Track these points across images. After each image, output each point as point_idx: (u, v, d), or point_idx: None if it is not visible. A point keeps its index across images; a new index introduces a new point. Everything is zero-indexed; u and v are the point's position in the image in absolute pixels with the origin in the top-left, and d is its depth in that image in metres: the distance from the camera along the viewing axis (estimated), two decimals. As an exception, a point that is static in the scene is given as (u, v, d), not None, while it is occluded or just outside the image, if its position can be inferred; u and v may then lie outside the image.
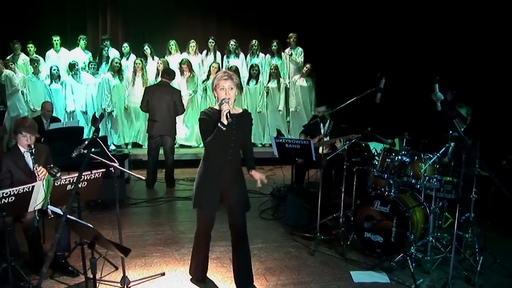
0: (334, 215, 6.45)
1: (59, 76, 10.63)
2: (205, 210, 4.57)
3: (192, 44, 11.45)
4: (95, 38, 12.19)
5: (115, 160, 4.52)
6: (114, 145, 10.97)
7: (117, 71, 10.71)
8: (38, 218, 4.83)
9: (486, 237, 5.33)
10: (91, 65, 10.79)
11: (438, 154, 5.43)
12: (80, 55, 11.30)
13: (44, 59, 11.15)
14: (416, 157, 5.60)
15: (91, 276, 4.58)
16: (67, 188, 4.59)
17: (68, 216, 3.47)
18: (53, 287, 4.78)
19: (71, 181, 4.57)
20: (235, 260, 4.74)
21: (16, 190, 4.22)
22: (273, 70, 11.36)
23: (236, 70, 10.81)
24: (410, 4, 9.72)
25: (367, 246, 5.66)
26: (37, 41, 11.23)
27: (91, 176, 4.69)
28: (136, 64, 10.77)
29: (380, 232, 5.53)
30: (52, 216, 4.86)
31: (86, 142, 4.78)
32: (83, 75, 10.77)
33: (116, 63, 10.73)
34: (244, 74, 11.50)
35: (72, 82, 10.65)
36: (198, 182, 4.55)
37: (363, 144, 7.11)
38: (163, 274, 5.09)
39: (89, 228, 3.25)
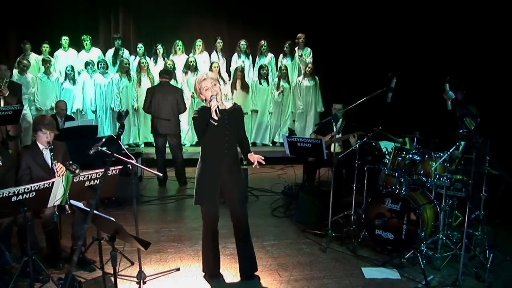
0: (345, 212, 6.54)
1: (73, 76, 10.76)
2: (206, 205, 4.75)
3: (198, 43, 11.50)
4: (107, 38, 12.28)
5: (132, 157, 4.63)
6: (127, 144, 11.07)
7: (126, 72, 10.82)
8: (57, 213, 4.95)
9: (496, 235, 5.38)
10: (101, 64, 10.88)
11: (448, 153, 5.49)
12: (85, 55, 11.41)
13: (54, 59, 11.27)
14: (426, 156, 5.66)
15: (108, 270, 4.77)
16: (86, 184, 4.70)
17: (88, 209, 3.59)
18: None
19: (90, 178, 4.68)
20: (239, 250, 4.94)
21: (37, 185, 4.33)
22: (283, 71, 11.39)
23: (242, 71, 10.94)
24: (420, 4, 9.77)
25: (378, 243, 5.74)
26: (49, 41, 11.34)
27: (108, 173, 4.80)
28: (142, 63, 10.89)
29: (391, 229, 5.61)
30: (70, 211, 4.99)
31: (104, 140, 4.92)
32: (93, 75, 10.92)
33: (125, 63, 10.83)
34: (252, 74, 11.63)
35: (85, 80, 10.82)
36: (197, 178, 4.74)
37: (373, 144, 7.18)
38: (178, 269, 5.19)
39: (110, 221, 3.35)
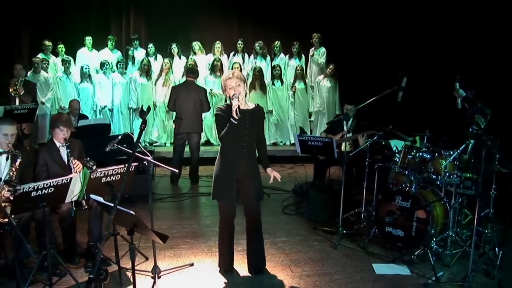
0: (356, 210, 6.62)
1: (89, 75, 10.92)
2: (223, 200, 4.89)
3: (217, 45, 11.56)
4: (119, 38, 12.41)
5: (148, 154, 4.72)
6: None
7: (146, 71, 10.94)
8: (74, 209, 5.07)
9: (505, 233, 5.45)
10: (120, 64, 11.02)
11: (458, 151, 5.55)
12: (109, 55, 11.55)
13: (74, 59, 11.44)
14: (436, 154, 5.73)
15: (123, 265, 4.88)
16: (102, 181, 4.81)
17: (108, 203, 3.69)
18: (87, 275, 4.97)
19: (106, 174, 4.79)
20: (250, 245, 5.09)
21: (55, 181, 4.45)
22: (299, 71, 11.41)
23: (260, 71, 10.99)
24: (430, 3, 9.81)
25: (388, 240, 5.80)
26: (62, 41, 11.49)
27: (124, 170, 4.91)
28: (164, 63, 11.02)
29: (401, 227, 5.67)
30: (86, 207, 5.11)
31: (120, 137, 5.03)
32: (111, 74, 11.07)
33: (145, 64, 10.96)
34: (269, 75, 11.68)
35: (100, 80, 10.98)
36: (216, 174, 4.87)
37: (383, 143, 7.25)
38: (192, 264, 5.30)
39: (130, 214, 3.44)
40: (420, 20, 10.03)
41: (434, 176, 5.72)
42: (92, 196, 3.98)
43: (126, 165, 4.81)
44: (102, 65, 11.03)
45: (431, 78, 8.75)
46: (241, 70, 10.82)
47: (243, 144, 4.77)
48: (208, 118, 10.80)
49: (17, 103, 7.66)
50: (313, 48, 11.87)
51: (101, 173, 4.77)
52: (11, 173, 4.80)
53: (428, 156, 5.77)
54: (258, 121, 4.91)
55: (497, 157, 5.35)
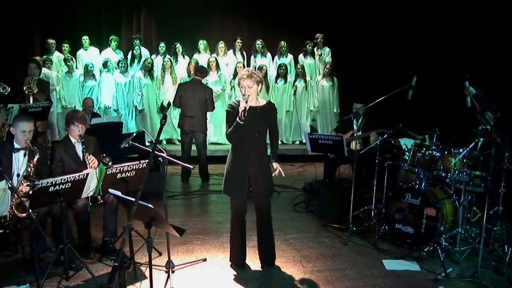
0: (366, 207, 6.68)
1: (93, 74, 11.01)
2: (234, 195, 4.99)
3: (221, 45, 11.64)
4: (129, 38, 12.46)
5: (163, 151, 4.81)
6: (150, 142, 11.26)
7: (148, 71, 11.02)
8: (90, 204, 5.17)
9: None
10: (121, 64, 11.07)
11: (468, 149, 5.60)
12: (111, 55, 11.61)
13: (76, 58, 11.52)
14: (446, 152, 5.78)
15: (137, 260, 4.97)
16: (117, 177, 4.91)
17: (127, 197, 3.78)
18: (102, 270, 5.09)
19: (121, 170, 4.89)
20: (261, 240, 5.20)
21: (72, 177, 4.57)
22: (299, 70, 11.46)
23: (265, 70, 11.06)
24: (440, 3, 9.86)
25: (398, 237, 5.87)
26: (73, 40, 11.60)
27: (139, 166, 5.01)
28: (165, 62, 11.11)
29: (410, 224, 5.74)
30: (101, 201, 5.21)
31: (134, 134, 5.13)
32: (114, 74, 11.16)
33: (149, 62, 11.03)
34: (272, 73, 11.71)
35: (104, 79, 11.08)
36: (227, 169, 5.00)
37: (393, 141, 7.30)
38: (205, 259, 5.39)
39: (148, 208, 3.52)
40: (429, 20, 10.10)
41: (443, 174, 5.77)
42: (110, 190, 4.06)
43: (142, 161, 4.96)
44: (105, 64, 11.10)
45: (440, 77, 8.81)
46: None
47: (254, 141, 4.86)
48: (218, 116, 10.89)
49: (31, 101, 7.77)
50: (316, 48, 11.93)
51: (116, 169, 4.87)
52: (29, 169, 4.91)
53: (438, 154, 5.81)
54: (269, 118, 4.98)
55: (507, 155, 5.40)
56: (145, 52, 11.88)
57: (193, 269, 5.17)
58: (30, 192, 4.55)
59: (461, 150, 5.63)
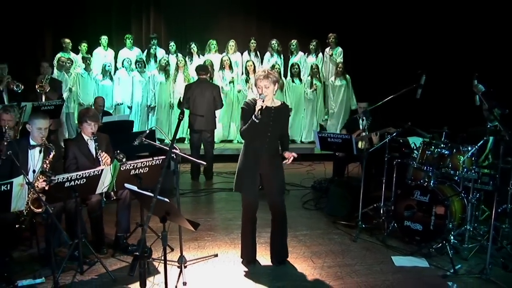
0: (375, 205, 6.74)
1: (110, 73, 11.15)
2: (245, 192, 5.05)
3: (231, 43, 11.74)
4: (139, 37, 12.58)
5: (176, 148, 4.89)
6: (158, 139, 11.35)
7: (164, 69, 11.13)
8: (105, 199, 5.26)
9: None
10: (139, 63, 11.19)
11: (476, 147, 5.64)
12: (128, 53, 11.73)
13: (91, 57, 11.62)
14: (454, 150, 5.80)
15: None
16: (131, 173, 5.00)
17: (144, 192, 3.86)
18: (116, 265, 5.19)
19: (135, 166, 4.98)
20: (274, 236, 5.25)
21: (87, 173, 4.66)
22: (315, 69, 11.47)
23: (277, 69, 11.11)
24: (449, 2, 9.89)
25: (407, 234, 5.92)
26: (84, 39, 11.69)
27: (152, 163, 5.10)
28: (179, 61, 11.21)
29: (419, 221, 5.78)
30: (115, 198, 5.30)
31: (148, 132, 5.21)
32: (132, 72, 11.29)
33: (165, 60, 11.18)
34: (285, 73, 11.77)
35: (120, 76, 11.22)
36: (239, 166, 5.08)
37: (401, 140, 7.35)
38: (216, 255, 5.47)
39: (164, 201, 3.59)
40: (438, 19, 10.13)
41: (452, 172, 5.80)
42: (126, 185, 4.14)
43: (156, 158, 5.04)
44: (123, 62, 11.23)
45: (449, 75, 8.84)
46: (254, 69, 10.98)
47: (266, 140, 4.92)
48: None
49: (43, 99, 7.87)
50: (329, 48, 11.96)
51: (130, 166, 4.96)
52: (44, 165, 5.01)
53: (447, 152, 5.84)
54: (282, 119, 5.06)
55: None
56: (161, 52, 11.98)
57: (205, 265, 5.25)
58: (46, 188, 4.65)
59: (469, 148, 5.67)
